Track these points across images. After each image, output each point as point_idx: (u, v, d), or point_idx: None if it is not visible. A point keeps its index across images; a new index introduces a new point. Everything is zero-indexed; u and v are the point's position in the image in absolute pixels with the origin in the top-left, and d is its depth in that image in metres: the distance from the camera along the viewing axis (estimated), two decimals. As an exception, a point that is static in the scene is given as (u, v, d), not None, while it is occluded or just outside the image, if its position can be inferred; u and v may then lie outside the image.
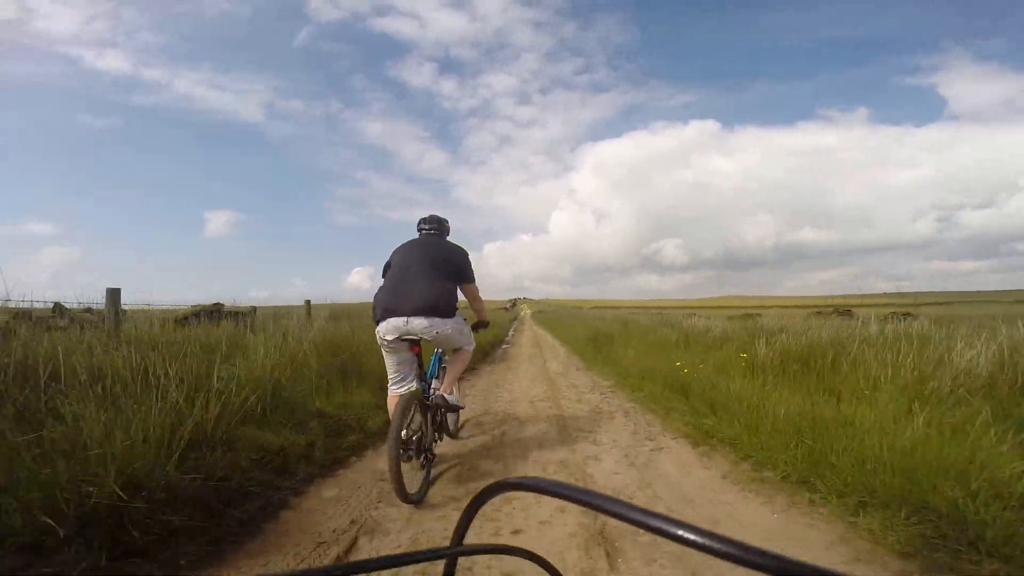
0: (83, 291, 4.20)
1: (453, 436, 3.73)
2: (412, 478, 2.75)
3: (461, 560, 0.53)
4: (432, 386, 3.17)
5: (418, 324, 2.83)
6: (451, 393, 3.12)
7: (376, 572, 0.40)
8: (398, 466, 2.48)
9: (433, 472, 3.05)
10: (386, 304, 2.87)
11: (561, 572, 0.53)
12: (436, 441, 3.12)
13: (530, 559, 0.53)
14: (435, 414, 3.08)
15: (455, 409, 3.18)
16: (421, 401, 2.92)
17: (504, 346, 13.21)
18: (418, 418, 2.88)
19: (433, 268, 2.96)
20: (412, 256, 3.03)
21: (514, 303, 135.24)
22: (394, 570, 0.42)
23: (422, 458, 2.86)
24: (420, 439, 2.83)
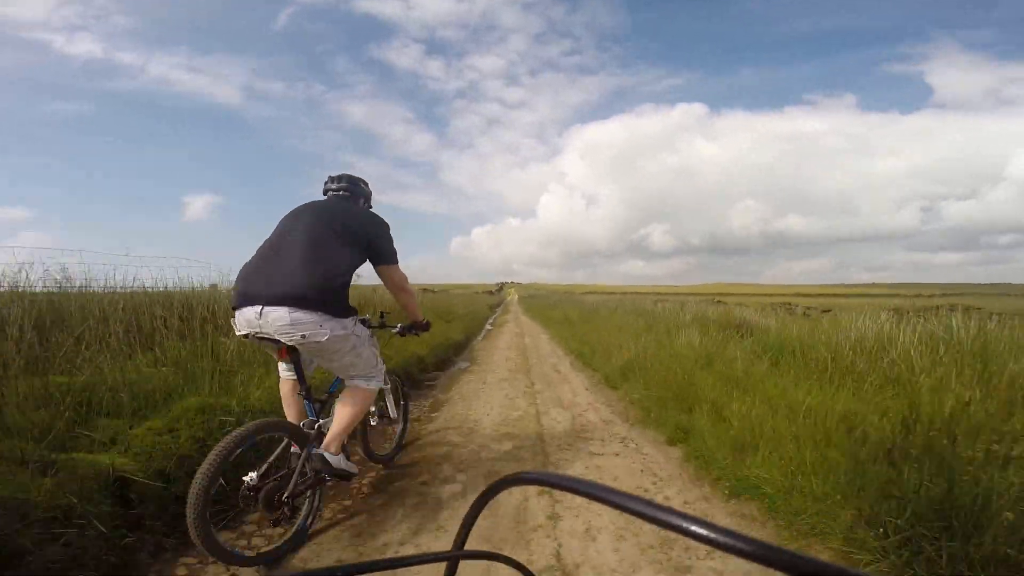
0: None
1: (386, 462, 3.06)
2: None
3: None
4: (320, 422, 2.31)
5: (274, 318, 1.94)
6: (339, 453, 2.22)
7: (375, 574, 0.41)
8: (206, 529, 1.73)
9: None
10: (242, 287, 2.05)
11: None
12: (313, 515, 2.20)
13: (516, 568, 0.54)
14: (314, 472, 2.16)
15: (344, 477, 2.25)
16: (294, 430, 2.17)
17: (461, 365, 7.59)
18: (293, 457, 2.12)
19: (324, 240, 2.11)
20: (299, 221, 2.20)
21: (500, 287, 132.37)
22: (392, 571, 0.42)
23: (278, 512, 1.98)
24: (275, 491, 1.97)
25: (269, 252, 2.12)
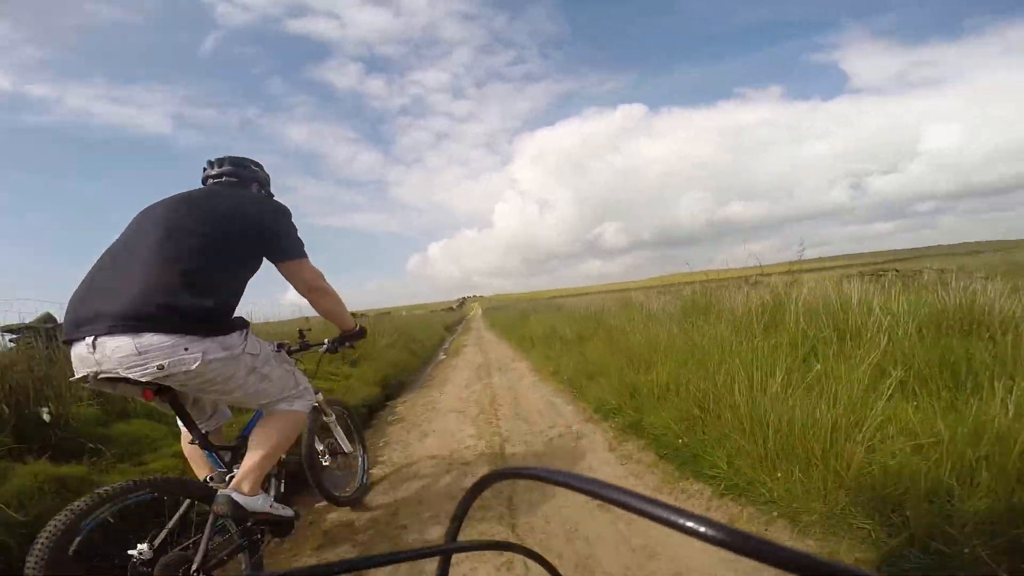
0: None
1: (353, 503, 2.68)
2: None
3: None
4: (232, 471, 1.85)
5: (114, 349, 1.43)
6: (257, 492, 1.73)
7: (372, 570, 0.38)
8: None
9: None
10: (71, 314, 1.53)
11: (557, 568, 0.54)
12: None
13: (527, 555, 0.54)
14: (238, 526, 1.70)
15: (275, 523, 1.79)
16: (194, 488, 1.67)
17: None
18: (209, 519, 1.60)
19: (185, 235, 1.60)
20: (148, 218, 1.68)
21: (462, 302, 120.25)
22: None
23: None
24: (180, 564, 1.47)
25: (107, 262, 1.60)
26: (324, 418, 2.60)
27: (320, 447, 2.55)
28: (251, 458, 1.74)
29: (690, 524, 0.30)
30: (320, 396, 2.45)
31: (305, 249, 1.90)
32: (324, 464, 2.55)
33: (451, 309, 57.74)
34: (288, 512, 1.85)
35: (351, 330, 2.26)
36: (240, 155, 2.00)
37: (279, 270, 1.87)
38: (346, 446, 2.73)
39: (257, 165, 2.05)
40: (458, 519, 0.51)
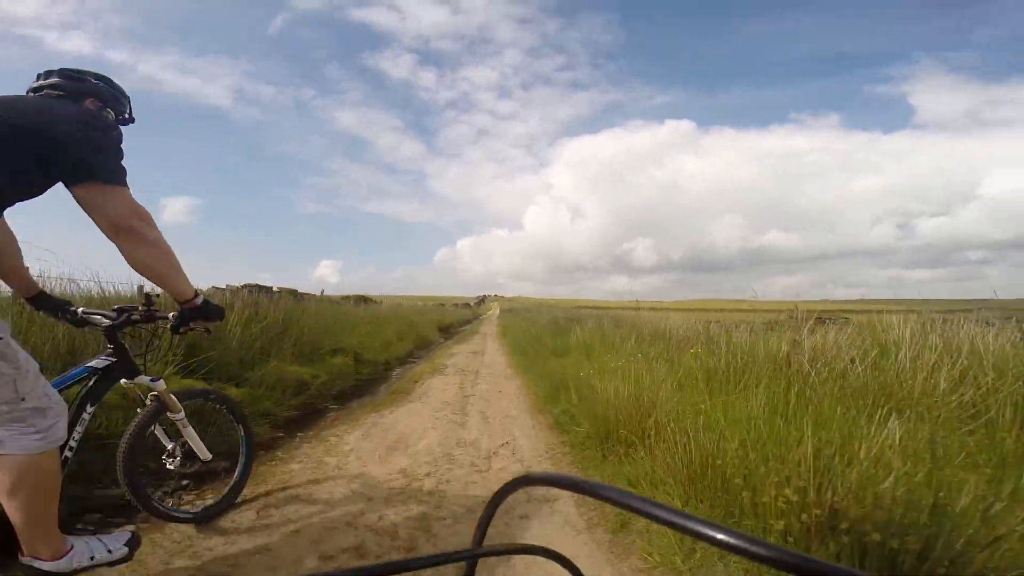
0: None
1: (205, 520, 2.13)
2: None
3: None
4: None
5: None
6: (65, 546, 1.44)
7: None
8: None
9: None
10: None
11: (583, 572, 0.54)
12: None
13: (553, 559, 0.53)
14: None
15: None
16: None
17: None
18: None
19: None
20: None
21: (482, 299, 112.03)
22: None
23: None
24: None
25: None
26: (170, 415, 2.08)
27: (169, 445, 2.14)
28: (13, 517, 1.35)
29: (721, 536, 0.31)
30: (162, 384, 1.99)
31: (126, 179, 1.40)
32: (168, 466, 2.15)
33: (467, 306, 52.15)
34: (119, 550, 1.55)
35: (192, 304, 1.63)
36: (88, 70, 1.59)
37: (74, 196, 1.35)
38: (203, 453, 2.19)
39: (105, 81, 1.60)
40: (483, 524, 0.52)
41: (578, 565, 0.51)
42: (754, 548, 0.30)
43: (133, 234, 1.37)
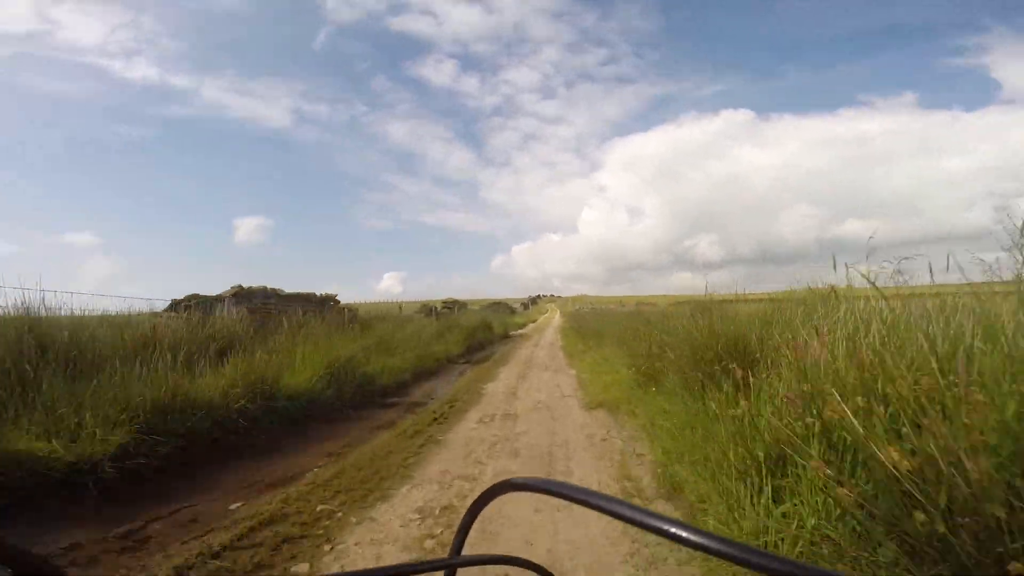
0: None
1: None
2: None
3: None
4: None
5: None
6: None
7: None
8: None
9: None
10: None
11: None
12: None
13: (532, 569, 0.54)
14: None
15: None
16: None
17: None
18: None
19: None
20: None
21: (534, 301, 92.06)
22: None
23: None
24: None
25: None
26: None
27: None
28: None
29: (696, 539, 0.31)
30: None
31: None
32: None
33: (511, 311, 39.92)
34: None
35: None
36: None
37: None
38: None
39: None
40: (463, 532, 0.52)
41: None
42: (728, 549, 0.31)
43: None
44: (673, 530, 0.33)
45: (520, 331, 26.89)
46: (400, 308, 14.55)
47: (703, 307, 5.66)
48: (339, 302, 12.64)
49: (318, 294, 12.06)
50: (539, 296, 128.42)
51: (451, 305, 24.74)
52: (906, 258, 3.03)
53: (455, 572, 0.54)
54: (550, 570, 0.54)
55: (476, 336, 17.28)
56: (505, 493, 0.48)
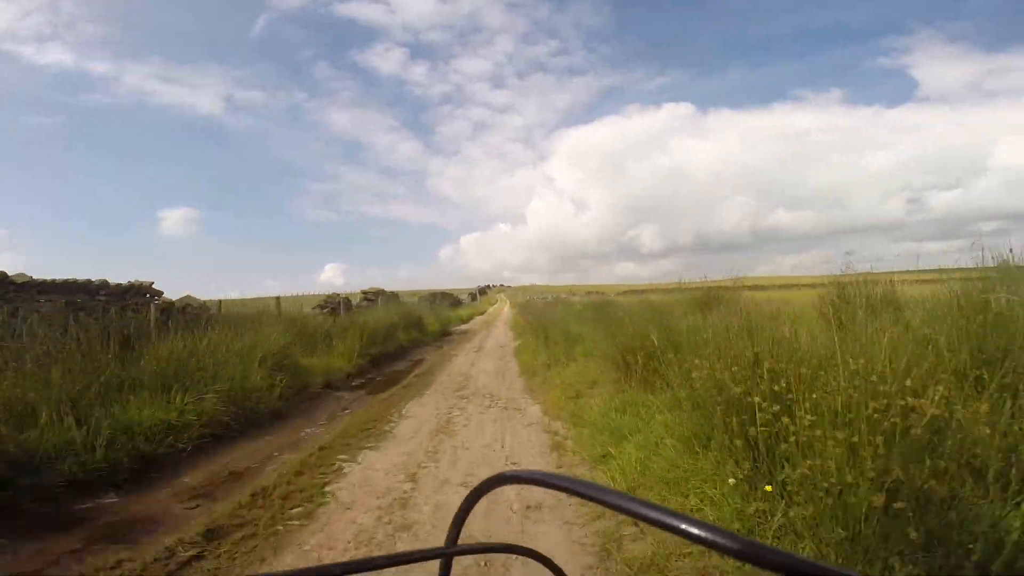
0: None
1: None
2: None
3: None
4: None
5: None
6: None
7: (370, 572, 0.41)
8: None
9: None
10: None
11: (563, 570, 0.55)
12: None
13: (532, 557, 0.55)
14: None
15: None
16: None
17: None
18: None
19: None
20: None
21: (483, 291, 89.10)
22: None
23: None
24: None
25: None
26: None
27: None
28: None
29: (695, 531, 0.31)
30: None
31: None
32: None
33: (458, 302, 36.03)
34: None
35: None
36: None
37: None
38: None
39: None
40: (458, 522, 0.52)
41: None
42: (733, 544, 0.30)
43: None
44: (683, 526, 0.32)
45: (463, 326, 23.63)
46: (278, 302, 11.15)
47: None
48: (160, 294, 9.21)
49: (114, 283, 8.61)
50: (488, 286, 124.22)
51: (373, 296, 19.50)
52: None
53: (451, 561, 0.54)
54: (548, 557, 0.55)
55: (395, 339, 13.48)
56: (500, 486, 0.49)
